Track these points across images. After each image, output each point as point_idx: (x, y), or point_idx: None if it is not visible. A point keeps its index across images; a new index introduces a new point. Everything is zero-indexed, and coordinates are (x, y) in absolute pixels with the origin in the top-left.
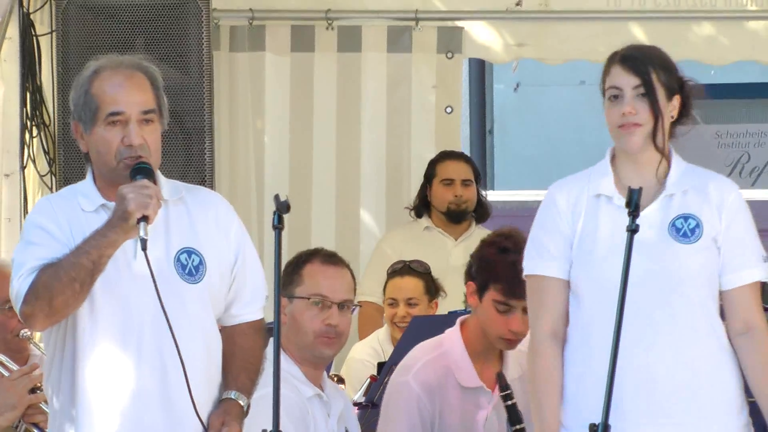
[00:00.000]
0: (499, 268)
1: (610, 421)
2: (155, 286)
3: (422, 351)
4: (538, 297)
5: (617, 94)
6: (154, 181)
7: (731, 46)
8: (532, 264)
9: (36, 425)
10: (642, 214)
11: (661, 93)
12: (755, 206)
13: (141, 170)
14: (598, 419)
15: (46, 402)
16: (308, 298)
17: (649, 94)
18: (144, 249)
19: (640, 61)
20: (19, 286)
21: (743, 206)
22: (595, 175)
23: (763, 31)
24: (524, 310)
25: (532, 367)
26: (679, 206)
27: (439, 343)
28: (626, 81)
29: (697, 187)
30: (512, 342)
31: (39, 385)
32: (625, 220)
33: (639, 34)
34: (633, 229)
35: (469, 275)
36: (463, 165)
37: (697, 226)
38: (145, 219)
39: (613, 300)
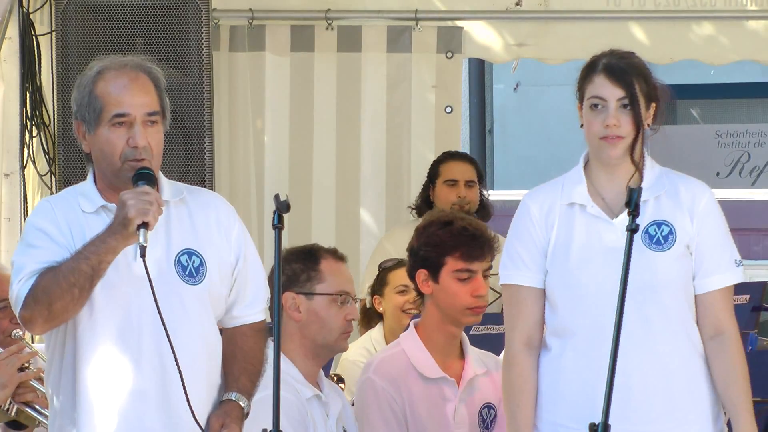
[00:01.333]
0: (450, 238)
1: (586, 427)
2: (153, 293)
3: (380, 352)
4: (514, 306)
5: (599, 104)
6: (156, 187)
7: (731, 46)
8: (507, 273)
9: (27, 404)
10: (616, 221)
11: (642, 104)
12: (755, 206)
13: (143, 176)
14: (573, 423)
15: (38, 380)
16: (338, 295)
17: (633, 106)
18: (143, 256)
19: (625, 72)
20: (18, 290)
21: (715, 209)
22: (569, 183)
23: (763, 31)
24: (484, 273)
25: (507, 375)
26: (651, 212)
27: (396, 343)
28: (611, 93)
29: (669, 191)
30: (479, 310)
31: (27, 365)
32: (600, 227)
33: (639, 34)
34: (633, 229)
35: (417, 265)
36: (467, 166)
37: (671, 233)
38: (145, 226)
39: (588, 308)
